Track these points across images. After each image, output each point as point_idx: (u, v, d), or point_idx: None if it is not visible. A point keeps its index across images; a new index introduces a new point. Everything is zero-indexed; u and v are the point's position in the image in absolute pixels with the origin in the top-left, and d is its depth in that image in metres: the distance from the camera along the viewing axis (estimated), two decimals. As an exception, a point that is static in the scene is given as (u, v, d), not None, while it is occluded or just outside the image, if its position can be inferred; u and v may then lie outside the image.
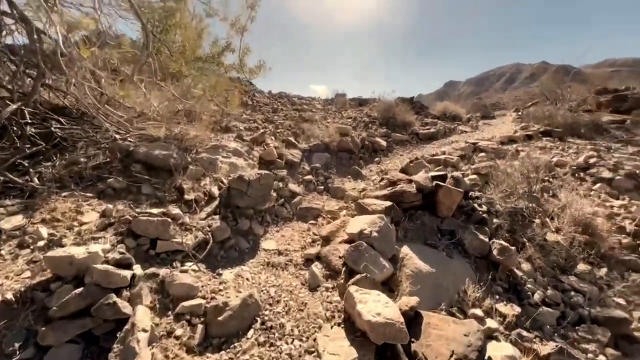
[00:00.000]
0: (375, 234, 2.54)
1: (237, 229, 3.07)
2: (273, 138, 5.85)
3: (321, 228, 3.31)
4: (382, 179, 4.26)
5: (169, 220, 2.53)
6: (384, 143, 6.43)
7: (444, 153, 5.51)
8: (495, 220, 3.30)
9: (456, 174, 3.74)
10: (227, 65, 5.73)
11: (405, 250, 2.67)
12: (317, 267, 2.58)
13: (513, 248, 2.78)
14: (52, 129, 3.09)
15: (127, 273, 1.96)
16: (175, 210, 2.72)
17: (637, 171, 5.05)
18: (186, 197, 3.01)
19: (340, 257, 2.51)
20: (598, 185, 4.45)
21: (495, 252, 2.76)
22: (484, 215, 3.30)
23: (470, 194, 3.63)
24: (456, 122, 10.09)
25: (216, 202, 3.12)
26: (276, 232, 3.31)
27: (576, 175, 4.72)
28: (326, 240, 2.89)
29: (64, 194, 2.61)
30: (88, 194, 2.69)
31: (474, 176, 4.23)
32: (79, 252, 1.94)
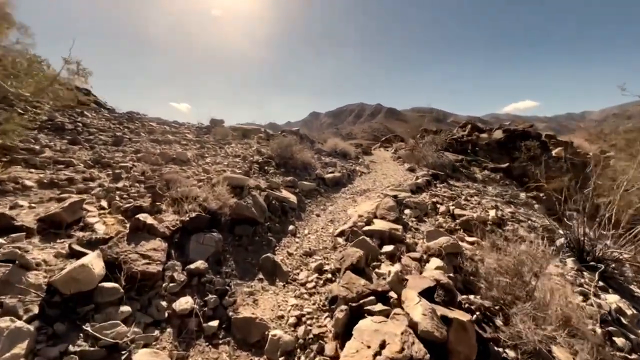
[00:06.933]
0: None
1: None
2: (106, 205, 3.15)
3: None
4: (328, 297, 2.46)
5: None
6: (294, 199, 4.72)
7: (373, 215, 4.33)
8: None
9: (444, 280, 2.44)
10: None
11: None
12: None
13: None
14: None
15: None
16: None
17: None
18: None
19: None
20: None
21: None
22: None
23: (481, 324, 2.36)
24: (348, 160, 9.66)
25: None
26: None
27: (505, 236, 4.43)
28: None
29: None
30: None
31: (438, 261, 3.10)
32: None
